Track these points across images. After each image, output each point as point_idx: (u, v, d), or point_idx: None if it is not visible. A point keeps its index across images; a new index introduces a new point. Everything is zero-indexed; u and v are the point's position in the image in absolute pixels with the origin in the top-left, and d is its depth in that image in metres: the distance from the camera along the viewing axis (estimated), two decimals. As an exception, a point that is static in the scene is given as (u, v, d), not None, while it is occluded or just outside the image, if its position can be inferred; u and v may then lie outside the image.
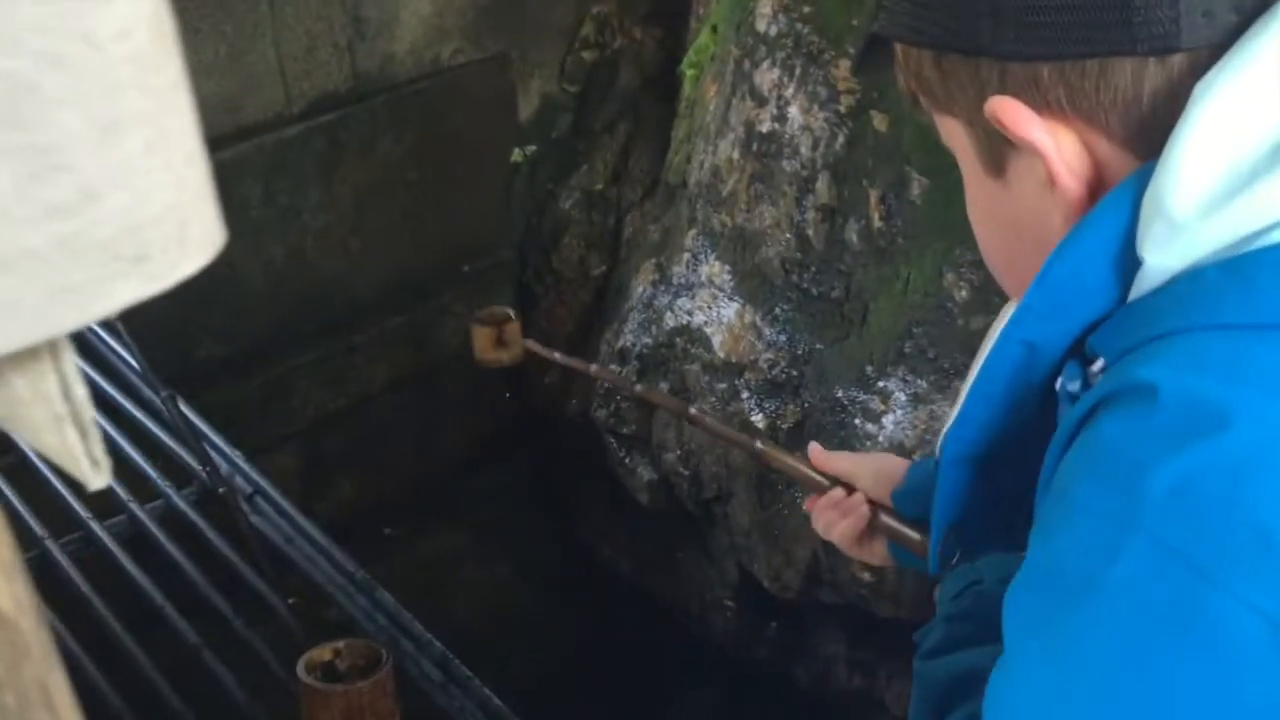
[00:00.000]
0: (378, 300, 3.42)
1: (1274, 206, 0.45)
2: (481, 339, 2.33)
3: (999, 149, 0.60)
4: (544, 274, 3.46)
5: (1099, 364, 0.56)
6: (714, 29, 2.89)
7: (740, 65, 2.69)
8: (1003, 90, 0.58)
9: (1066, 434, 0.55)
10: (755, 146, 2.63)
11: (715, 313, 2.68)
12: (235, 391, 3.21)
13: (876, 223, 2.42)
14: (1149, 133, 0.53)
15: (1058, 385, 0.60)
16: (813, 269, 2.54)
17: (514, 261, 3.61)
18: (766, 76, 2.61)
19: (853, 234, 2.47)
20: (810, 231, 2.53)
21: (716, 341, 2.67)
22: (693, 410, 1.44)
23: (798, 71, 2.56)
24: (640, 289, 2.92)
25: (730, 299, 2.67)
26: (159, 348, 3.06)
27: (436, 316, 3.51)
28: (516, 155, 3.55)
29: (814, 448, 1.18)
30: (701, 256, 2.76)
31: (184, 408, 2.31)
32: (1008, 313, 0.68)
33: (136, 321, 2.95)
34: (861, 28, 2.51)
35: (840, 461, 1.14)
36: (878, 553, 1.11)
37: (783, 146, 2.58)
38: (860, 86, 2.48)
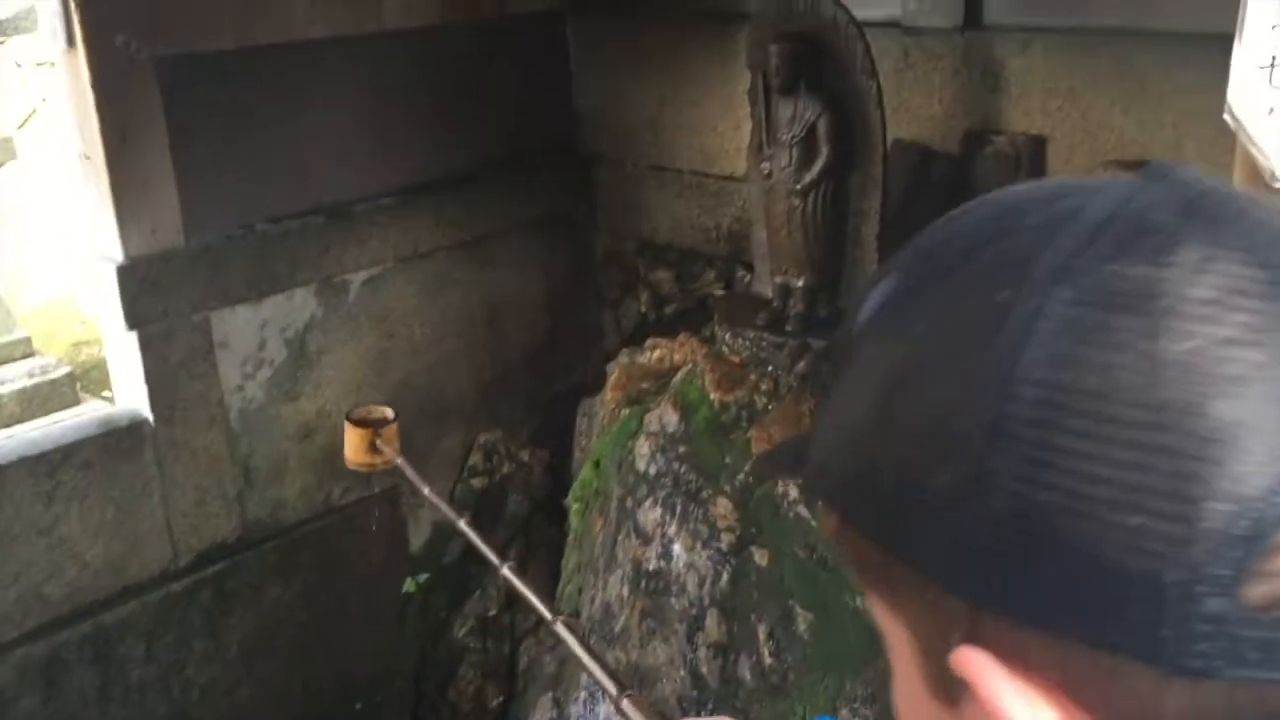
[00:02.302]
0: (266, 752, 3.28)
1: None
2: (354, 439, 2.06)
3: (955, 684, 0.47)
4: (440, 707, 3.38)
5: None
6: (596, 464, 3.02)
7: (623, 503, 2.79)
8: (972, 638, 0.45)
9: None
10: (643, 584, 2.69)
11: (616, 755, 2.62)
12: None
13: (767, 659, 2.45)
14: None
15: None
16: (710, 706, 2.53)
17: (409, 695, 3.53)
18: (649, 515, 2.71)
19: (745, 670, 2.49)
20: (704, 669, 2.55)
21: (619, 787, 2.59)
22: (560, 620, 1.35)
23: (678, 509, 2.67)
24: (539, 728, 2.86)
25: (630, 739, 2.63)
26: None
27: (328, 762, 3.37)
28: (409, 585, 3.55)
29: None
30: (598, 694, 2.73)
31: None
32: None
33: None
34: (735, 465, 2.66)
35: None
36: None
37: (670, 584, 2.64)
38: (739, 524, 2.58)
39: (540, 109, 3.75)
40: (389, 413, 2.14)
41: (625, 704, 1.11)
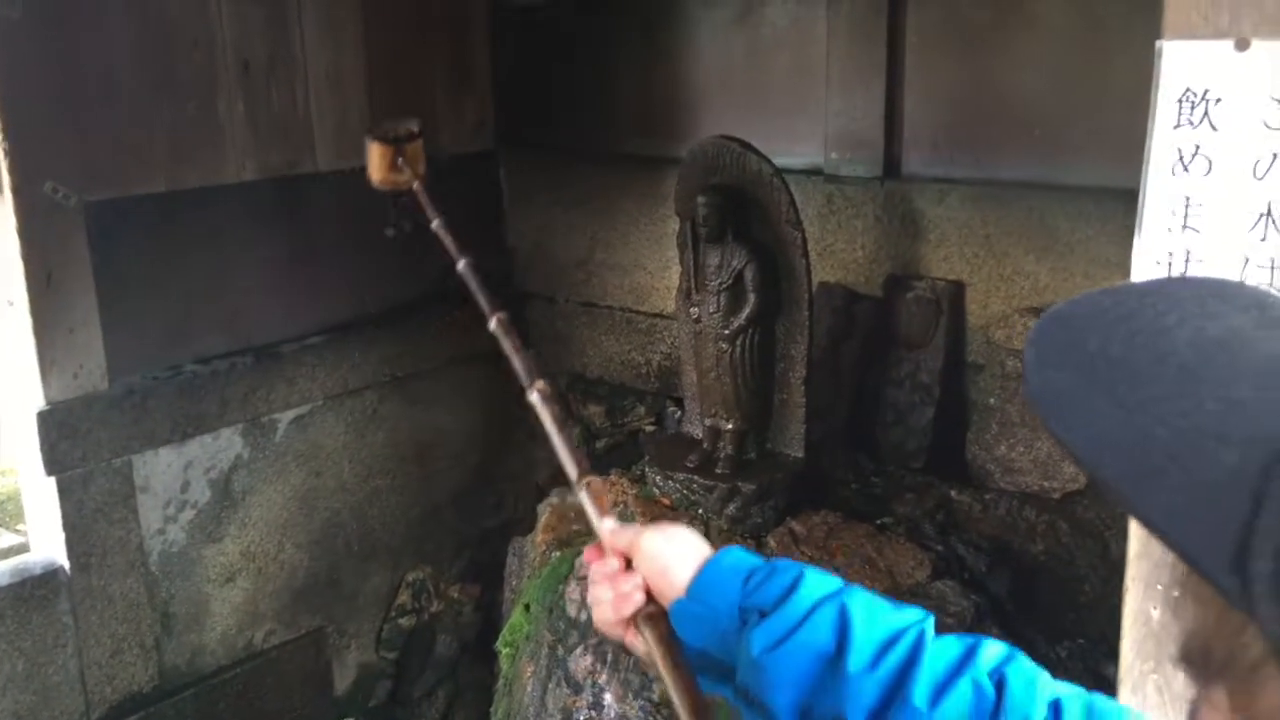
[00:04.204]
0: None
1: None
2: (377, 157, 1.87)
3: None
4: None
5: None
6: (526, 607, 2.98)
7: (554, 650, 2.75)
8: None
9: None
10: (575, 734, 2.64)
11: None
12: None
13: (700, 814, 2.41)
14: None
15: None
16: None
17: (331, 847, 3.40)
18: (580, 662, 2.67)
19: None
20: (636, 824, 2.49)
21: None
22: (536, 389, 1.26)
23: (609, 658, 2.64)
24: None
25: None
26: None
27: None
28: (333, 730, 3.45)
29: (608, 524, 1.06)
30: None
31: None
32: None
33: None
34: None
35: (625, 535, 1.03)
36: (637, 645, 0.99)
37: (602, 735, 2.59)
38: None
39: (472, 246, 3.78)
40: (415, 127, 1.98)
41: (582, 493, 1.09)
